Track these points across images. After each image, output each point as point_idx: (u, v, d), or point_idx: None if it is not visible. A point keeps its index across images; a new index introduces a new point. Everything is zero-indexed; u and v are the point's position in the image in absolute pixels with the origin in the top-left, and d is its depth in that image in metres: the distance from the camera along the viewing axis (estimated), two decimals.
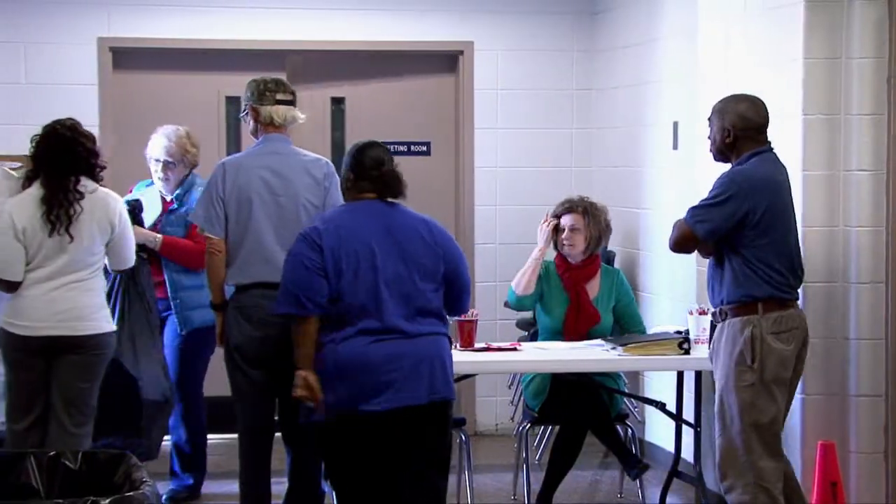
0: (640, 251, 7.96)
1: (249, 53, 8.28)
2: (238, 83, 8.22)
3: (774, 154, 5.48)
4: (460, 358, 6.18)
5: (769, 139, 5.48)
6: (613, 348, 6.24)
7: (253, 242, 5.76)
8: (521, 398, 6.90)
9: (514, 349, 6.38)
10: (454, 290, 5.15)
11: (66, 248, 5.66)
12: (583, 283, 6.71)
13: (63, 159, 5.72)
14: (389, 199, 5.13)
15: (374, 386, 4.92)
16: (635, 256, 8.02)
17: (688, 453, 6.62)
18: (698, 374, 6.46)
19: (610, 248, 8.01)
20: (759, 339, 5.26)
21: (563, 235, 6.70)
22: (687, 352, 6.15)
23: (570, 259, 6.74)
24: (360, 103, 8.53)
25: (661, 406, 6.58)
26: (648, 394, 7.60)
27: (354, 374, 4.93)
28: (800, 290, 5.57)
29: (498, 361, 6.33)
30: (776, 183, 5.40)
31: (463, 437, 6.52)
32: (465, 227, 8.50)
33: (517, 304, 6.83)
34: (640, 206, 7.95)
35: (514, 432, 7.08)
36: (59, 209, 5.63)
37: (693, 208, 5.37)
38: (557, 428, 6.68)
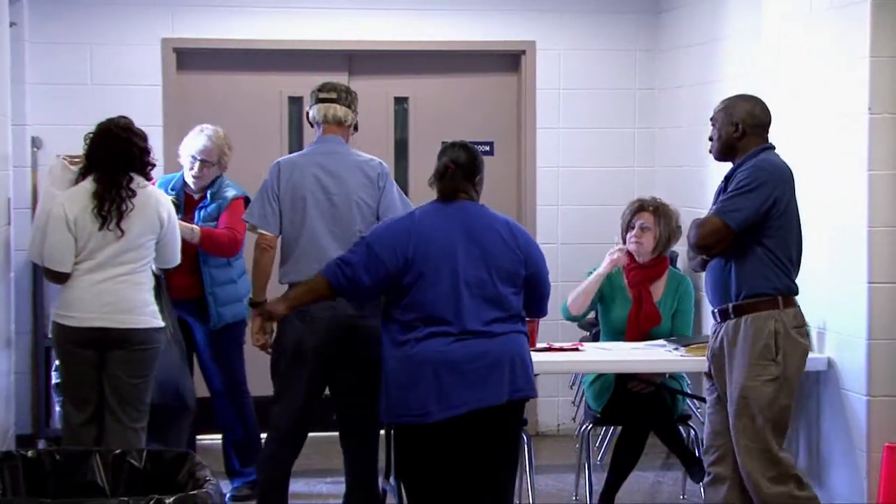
0: None
1: (312, 53, 8.31)
2: (300, 83, 8.31)
3: (776, 151, 5.52)
4: None
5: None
6: (676, 349, 6.21)
7: (308, 241, 5.79)
8: (583, 399, 6.87)
9: (576, 349, 6.36)
10: (535, 293, 5.19)
11: (115, 242, 5.76)
12: (647, 283, 6.67)
13: (116, 157, 5.84)
14: (470, 200, 5.18)
15: (456, 386, 4.94)
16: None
17: None
18: None
19: (673, 248, 7.96)
20: (782, 334, 5.28)
21: (633, 233, 6.67)
22: None
23: (637, 258, 6.70)
24: (423, 103, 8.53)
25: None
26: None
27: (436, 374, 4.94)
28: (864, 290, 5.53)
29: (560, 361, 6.32)
30: (791, 173, 5.45)
31: (525, 438, 6.51)
32: (527, 226, 8.48)
33: (568, 318, 6.77)
34: (703, 206, 7.87)
35: (576, 433, 7.06)
36: (111, 205, 5.75)
37: (722, 201, 5.36)
38: (619, 429, 6.65)
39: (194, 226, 6.56)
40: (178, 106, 8.15)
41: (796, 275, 5.45)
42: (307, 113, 6.08)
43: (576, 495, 6.88)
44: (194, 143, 6.74)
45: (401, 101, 8.54)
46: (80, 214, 5.75)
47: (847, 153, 6.03)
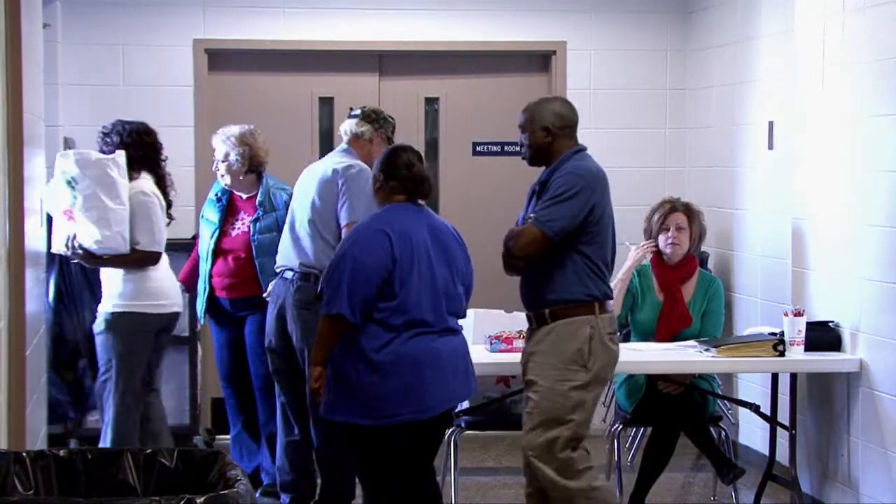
0: (734, 252, 7.89)
1: (343, 54, 8.33)
2: (331, 84, 8.34)
3: (588, 153, 5.42)
4: None
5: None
6: (707, 350, 6.19)
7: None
8: (614, 399, 6.86)
9: None
10: (467, 295, 5.37)
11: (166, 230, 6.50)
12: (678, 283, 6.66)
13: (157, 154, 6.55)
14: (419, 202, 5.27)
15: (445, 381, 5.09)
16: (729, 257, 7.95)
17: (782, 456, 6.55)
18: (793, 377, 6.39)
19: (703, 248, 7.95)
20: (596, 340, 5.21)
21: (669, 234, 6.66)
22: (782, 353, 6.09)
23: (671, 259, 6.68)
24: (454, 103, 8.54)
25: (755, 408, 6.52)
26: (741, 395, 7.54)
27: (427, 370, 5.05)
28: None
29: None
30: (606, 177, 5.35)
31: None
32: None
33: None
34: (734, 206, 7.89)
35: (606, 433, 7.05)
36: (165, 196, 6.50)
37: (539, 209, 5.20)
38: (650, 429, 6.64)
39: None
40: (209, 106, 8.18)
41: (610, 277, 5.38)
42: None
43: None
44: (214, 143, 6.81)
45: (431, 102, 8.56)
46: (161, 204, 6.45)
47: (880, 153, 6.00)
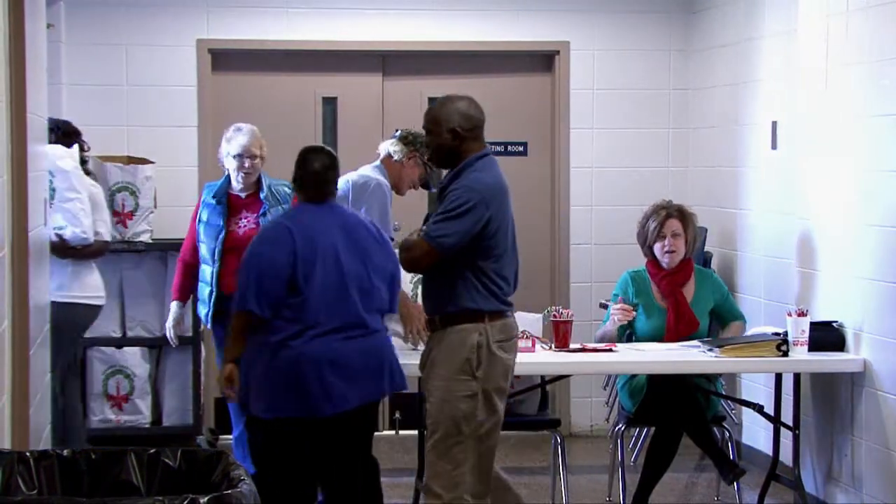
0: (738, 252, 7.89)
1: (346, 54, 8.34)
2: (335, 84, 8.34)
3: (493, 157, 5.28)
4: (556, 359, 6.19)
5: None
6: (710, 350, 6.19)
7: None
8: (616, 399, 6.86)
9: (610, 350, 6.35)
10: (394, 290, 5.38)
11: None
12: (680, 288, 6.64)
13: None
14: (329, 201, 5.36)
15: (345, 382, 5.14)
16: (732, 257, 7.95)
17: (786, 456, 6.55)
18: (797, 377, 6.39)
19: (707, 248, 7.95)
20: (484, 348, 5.06)
21: (666, 241, 6.60)
22: (785, 353, 6.09)
23: (666, 266, 6.64)
24: None
25: (758, 408, 6.52)
26: (745, 395, 7.54)
27: (326, 370, 5.12)
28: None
29: (593, 362, 6.31)
30: (506, 187, 5.20)
31: (558, 439, 6.51)
32: (561, 227, 8.48)
33: None
34: (738, 206, 7.88)
35: (609, 433, 7.05)
36: None
37: (431, 224, 5.07)
38: (653, 429, 6.63)
39: None
40: (212, 106, 8.19)
41: (513, 290, 5.23)
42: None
43: (609, 496, 6.87)
44: (236, 141, 6.75)
45: (435, 102, 8.53)
46: None
47: (884, 153, 6.00)
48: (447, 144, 5.11)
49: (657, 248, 6.62)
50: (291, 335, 5.14)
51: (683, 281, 6.65)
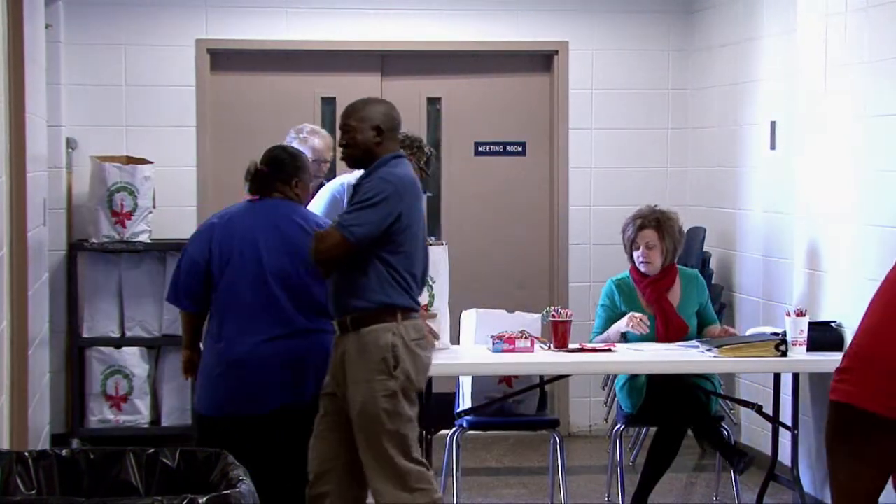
0: (737, 252, 7.89)
1: (345, 54, 8.33)
2: (334, 84, 8.34)
3: (406, 159, 5.31)
4: (554, 359, 6.18)
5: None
6: (709, 350, 6.19)
7: None
8: (615, 399, 6.85)
9: (609, 350, 6.35)
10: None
11: None
12: (665, 293, 6.60)
13: None
14: (285, 199, 5.36)
15: (260, 385, 5.16)
16: (731, 257, 7.95)
17: (784, 456, 6.55)
18: (795, 377, 6.39)
19: (705, 248, 7.95)
20: (400, 347, 5.04)
21: (640, 252, 6.57)
22: (784, 353, 6.09)
23: (645, 273, 6.61)
24: (456, 103, 8.55)
25: (757, 408, 6.51)
26: (743, 395, 7.54)
27: (242, 373, 5.16)
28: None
29: (592, 362, 6.30)
30: (418, 186, 5.21)
31: (557, 439, 6.51)
32: (559, 227, 8.48)
33: None
34: (736, 206, 7.88)
35: (608, 434, 7.05)
36: None
37: (344, 214, 5.09)
38: (651, 429, 6.63)
39: None
40: (211, 107, 8.19)
41: (421, 290, 5.23)
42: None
43: (608, 496, 6.87)
44: (328, 144, 6.73)
45: (433, 102, 8.56)
46: None
47: (883, 153, 6.00)
48: (370, 141, 5.14)
49: (634, 256, 6.60)
50: (214, 332, 5.27)
51: (668, 286, 6.59)
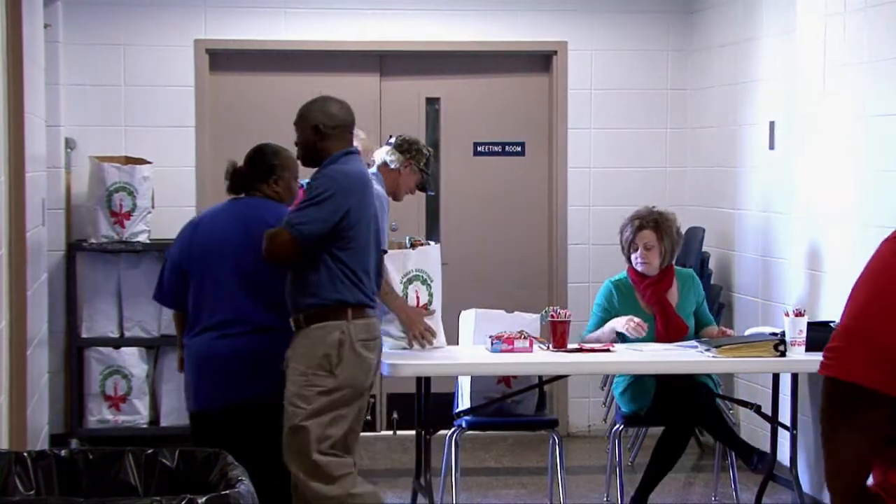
0: (735, 252, 7.89)
1: (344, 55, 8.33)
2: (332, 84, 8.31)
3: (358, 156, 5.33)
4: (553, 359, 6.18)
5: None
6: (707, 350, 6.18)
7: None
8: (614, 400, 6.85)
9: (608, 350, 6.34)
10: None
11: None
12: (664, 294, 6.59)
13: None
14: (265, 197, 5.41)
15: (218, 380, 5.22)
16: (730, 257, 7.95)
17: (783, 456, 6.55)
18: (794, 377, 6.39)
19: (704, 248, 7.95)
20: (346, 346, 5.05)
21: (638, 253, 6.56)
22: (783, 353, 6.09)
23: (646, 274, 6.60)
24: (455, 103, 8.55)
25: (756, 408, 6.51)
26: (742, 395, 7.54)
27: (201, 368, 5.25)
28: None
29: (591, 362, 6.29)
30: (368, 182, 5.24)
31: (556, 439, 6.51)
32: (558, 227, 8.49)
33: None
34: (735, 206, 7.89)
35: (607, 434, 7.05)
36: None
37: (292, 212, 5.12)
38: (649, 430, 6.61)
39: None
40: (210, 107, 8.19)
41: (375, 289, 5.24)
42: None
43: (607, 496, 6.87)
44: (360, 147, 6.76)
45: (432, 102, 8.56)
46: None
47: (882, 153, 6.00)
48: (309, 141, 5.24)
49: (632, 257, 6.59)
50: (188, 330, 5.36)
51: (667, 287, 6.60)
